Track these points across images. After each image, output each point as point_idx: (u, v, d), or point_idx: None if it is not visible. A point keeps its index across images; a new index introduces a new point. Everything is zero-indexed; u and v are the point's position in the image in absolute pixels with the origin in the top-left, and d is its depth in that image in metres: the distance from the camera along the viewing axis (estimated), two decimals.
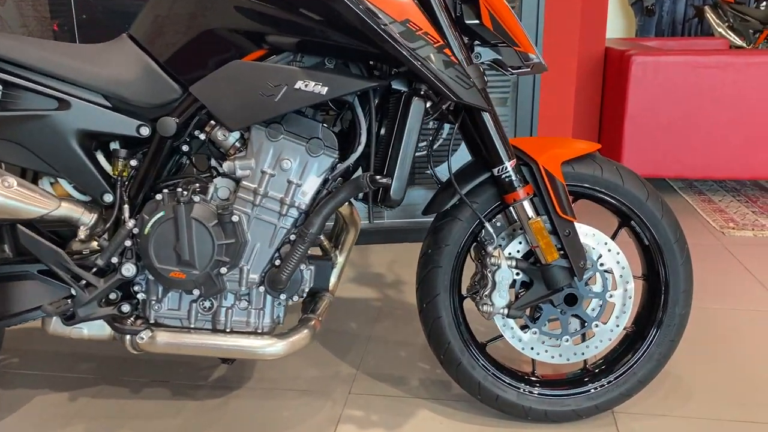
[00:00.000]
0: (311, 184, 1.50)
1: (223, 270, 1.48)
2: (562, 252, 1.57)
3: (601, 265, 1.62)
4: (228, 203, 1.48)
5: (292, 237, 1.51)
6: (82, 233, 1.51)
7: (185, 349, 1.51)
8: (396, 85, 1.50)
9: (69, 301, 1.46)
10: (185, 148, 1.56)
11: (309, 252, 1.65)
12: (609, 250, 1.62)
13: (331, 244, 1.71)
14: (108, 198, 1.50)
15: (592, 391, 1.67)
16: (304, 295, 1.56)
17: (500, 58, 1.56)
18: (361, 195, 1.51)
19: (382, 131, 1.54)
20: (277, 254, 1.52)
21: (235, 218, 1.46)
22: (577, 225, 1.59)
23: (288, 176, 1.49)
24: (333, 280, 1.70)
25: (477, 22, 1.50)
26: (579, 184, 1.62)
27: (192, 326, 1.53)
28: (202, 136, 1.53)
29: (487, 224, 1.59)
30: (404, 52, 1.35)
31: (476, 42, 1.55)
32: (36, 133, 1.45)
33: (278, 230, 1.50)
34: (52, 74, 1.44)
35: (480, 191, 1.62)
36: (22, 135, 1.45)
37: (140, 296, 1.53)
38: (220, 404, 1.83)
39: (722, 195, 3.94)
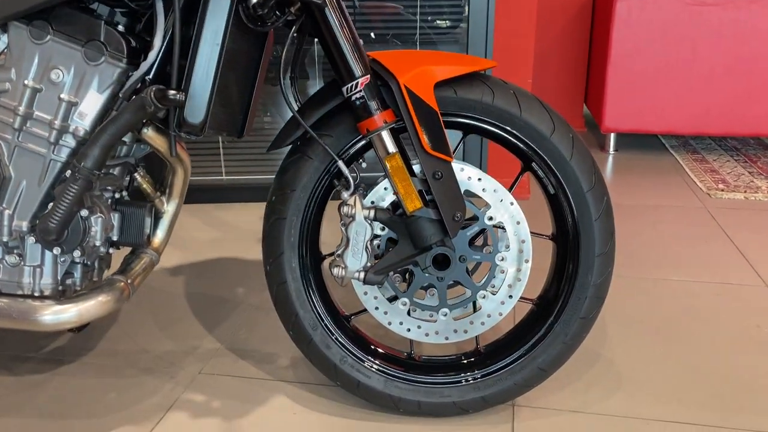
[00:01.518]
0: (91, 103, 1.13)
1: None
2: (431, 201, 1.19)
3: (490, 218, 1.25)
4: None
5: (68, 173, 1.15)
6: None
7: None
8: None
9: None
10: None
11: (125, 197, 1.30)
12: (500, 200, 1.24)
13: (156, 190, 1.35)
14: None
15: (480, 378, 1.31)
16: (100, 248, 1.21)
17: None
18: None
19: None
20: (50, 195, 1.16)
21: None
22: (457, 165, 1.21)
23: (59, 91, 1.12)
24: (159, 234, 1.35)
25: None
26: (463, 114, 1.23)
27: None
28: None
29: (341, 163, 1.22)
30: None
31: None
32: None
33: (50, 163, 1.15)
34: None
35: (335, 121, 1.25)
36: None
37: None
38: (40, 381, 1.50)
39: (719, 154, 3.49)
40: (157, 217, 1.34)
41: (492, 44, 2.60)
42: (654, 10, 3.21)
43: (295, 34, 1.20)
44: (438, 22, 2.64)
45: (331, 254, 1.34)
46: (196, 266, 2.12)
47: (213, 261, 2.16)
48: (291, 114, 1.23)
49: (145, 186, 1.32)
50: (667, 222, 2.49)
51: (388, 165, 1.17)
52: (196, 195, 2.62)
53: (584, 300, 1.27)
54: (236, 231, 2.42)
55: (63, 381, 1.50)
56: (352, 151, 1.26)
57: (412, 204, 1.17)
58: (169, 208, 1.36)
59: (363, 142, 1.26)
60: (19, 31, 1.11)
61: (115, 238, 1.25)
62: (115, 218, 1.25)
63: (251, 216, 2.56)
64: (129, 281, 1.26)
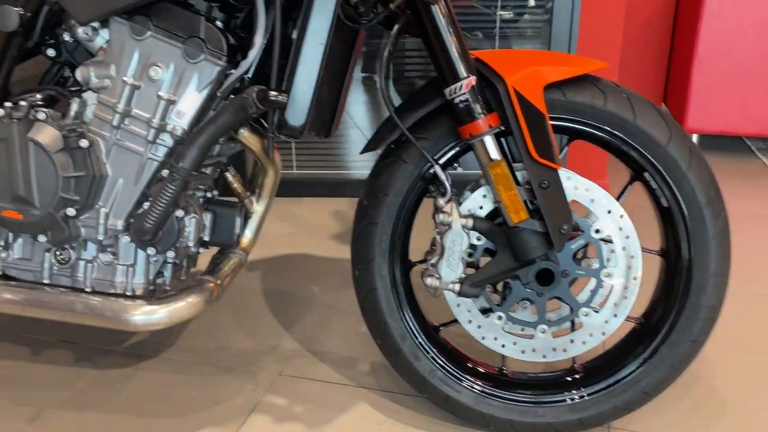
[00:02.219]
0: (190, 101, 1.10)
1: (71, 211, 1.12)
2: (536, 211, 1.12)
3: (597, 231, 1.17)
4: (77, 123, 1.11)
5: (165, 172, 1.13)
6: None
7: (31, 310, 1.17)
8: None
9: None
10: (51, 52, 1.20)
11: (216, 196, 1.28)
12: (609, 212, 1.16)
13: (246, 190, 1.32)
14: None
15: (577, 399, 1.24)
16: (192, 248, 1.19)
17: None
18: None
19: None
20: (146, 194, 1.15)
21: (84, 143, 1.09)
22: (563, 174, 1.13)
23: (158, 89, 1.10)
24: (248, 234, 1.32)
25: None
26: (571, 118, 1.16)
27: (46, 282, 1.19)
28: (68, 36, 1.17)
29: (437, 167, 1.16)
30: None
31: None
32: None
33: (146, 162, 1.13)
34: None
35: (434, 123, 1.19)
36: None
37: None
38: (123, 376, 1.51)
39: None
40: (246, 217, 1.32)
41: (576, 39, 2.49)
42: (746, 5, 3.02)
43: (396, 32, 1.14)
44: (508, 14, 2.54)
45: (421, 261, 1.29)
46: (270, 261, 2.10)
47: (286, 256, 2.14)
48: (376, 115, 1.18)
49: (236, 185, 1.30)
50: (755, 234, 2.34)
51: (491, 173, 1.11)
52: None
53: (695, 322, 1.18)
54: (308, 226, 2.40)
55: (145, 377, 1.50)
56: (449, 155, 1.21)
57: (517, 215, 1.11)
58: (258, 208, 1.34)
59: (460, 147, 1.20)
60: (120, 27, 1.09)
61: (206, 239, 1.23)
62: (207, 218, 1.23)
63: (322, 211, 2.53)
64: (218, 282, 1.24)
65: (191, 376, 1.50)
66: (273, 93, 1.03)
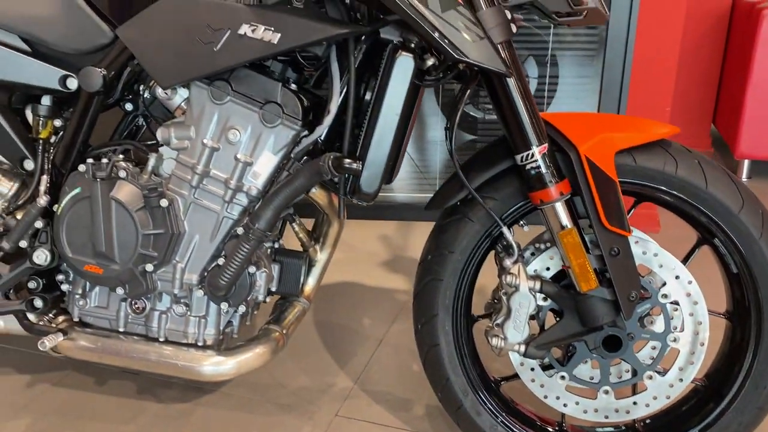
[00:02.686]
0: (265, 163, 1.13)
1: (150, 267, 1.16)
2: (606, 275, 1.12)
3: (665, 296, 1.17)
4: (158, 182, 1.15)
5: (241, 231, 1.16)
6: None
7: (108, 358, 1.22)
8: (386, 33, 1.10)
9: None
10: (129, 106, 1.24)
11: (282, 246, 1.31)
12: (677, 277, 1.16)
13: (311, 239, 1.35)
14: (29, 165, 1.22)
15: None
16: (261, 300, 1.22)
17: (540, 0, 1.11)
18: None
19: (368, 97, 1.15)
20: (221, 250, 1.18)
21: (164, 202, 1.13)
22: (633, 240, 1.13)
23: (236, 151, 1.13)
24: (311, 282, 1.35)
25: None
26: (641, 182, 1.16)
27: (121, 330, 1.24)
28: (147, 95, 1.21)
29: (505, 229, 1.17)
30: None
31: None
32: None
33: (222, 220, 1.16)
34: None
35: (501, 183, 1.20)
36: None
37: (65, 287, 1.25)
38: (184, 411, 1.55)
39: None
40: (310, 265, 1.35)
41: (630, 69, 2.47)
42: None
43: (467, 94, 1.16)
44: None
45: (484, 316, 1.30)
46: (321, 289, 2.13)
47: (336, 285, 2.17)
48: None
49: (301, 235, 1.33)
50: None
51: (562, 240, 1.11)
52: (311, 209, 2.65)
53: (763, 389, 1.17)
54: (354, 251, 2.42)
55: (205, 413, 1.54)
56: (516, 215, 1.21)
57: (587, 284, 1.11)
58: (322, 257, 1.36)
59: (527, 206, 1.21)
60: (201, 91, 1.12)
61: (273, 289, 1.26)
62: (275, 269, 1.25)
63: (367, 235, 2.56)
64: (284, 332, 1.27)
65: (250, 414, 1.54)
66: (347, 161, 1.05)
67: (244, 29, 1.03)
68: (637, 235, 1.16)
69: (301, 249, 1.36)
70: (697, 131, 3.80)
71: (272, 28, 1.03)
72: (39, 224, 1.18)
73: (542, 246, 1.23)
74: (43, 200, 1.17)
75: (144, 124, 1.31)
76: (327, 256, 1.37)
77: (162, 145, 1.21)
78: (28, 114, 1.25)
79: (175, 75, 1.10)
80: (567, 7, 1.10)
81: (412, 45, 1.06)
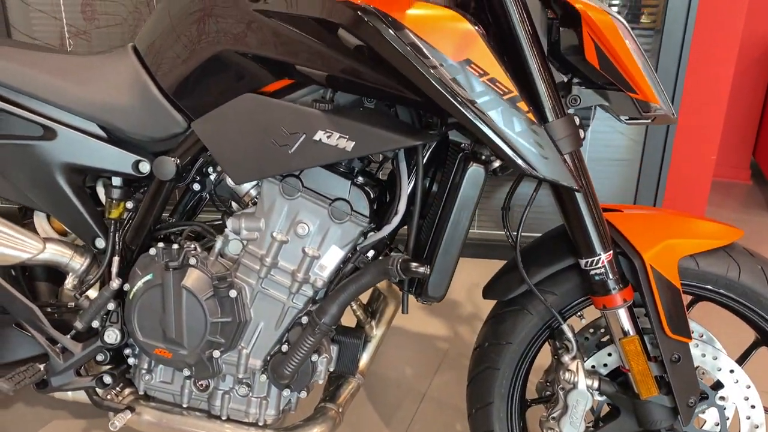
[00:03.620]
0: (332, 257, 1.16)
1: (217, 353, 1.20)
2: (665, 378, 1.14)
3: (721, 399, 1.17)
4: (228, 272, 1.18)
5: (304, 319, 1.19)
6: (70, 281, 1.29)
7: None
8: (454, 136, 1.11)
9: (41, 367, 1.25)
10: (196, 186, 1.27)
11: (340, 324, 1.34)
12: (736, 381, 1.17)
13: (367, 315, 1.38)
14: (100, 243, 1.26)
15: None
16: (321, 383, 1.26)
17: (608, 105, 1.12)
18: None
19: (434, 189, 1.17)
20: (285, 337, 1.21)
21: (233, 293, 1.16)
22: (693, 344, 1.14)
23: (304, 244, 1.16)
24: (365, 358, 1.38)
25: (578, 55, 1.07)
26: (702, 286, 1.16)
27: (185, 405, 1.28)
28: (213, 177, 1.24)
29: (565, 327, 1.18)
30: (458, 105, 0.96)
31: (577, 79, 1.12)
32: (17, 164, 1.22)
33: (287, 310, 1.19)
34: (38, 97, 1.19)
35: (561, 278, 1.21)
36: (2, 164, 1.22)
37: (131, 361, 1.29)
38: None
39: None
40: (365, 342, 1.37)
41: (679, 108, 2.45)
42: None
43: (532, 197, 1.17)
44: None
45: (538, 401, 1.32)
46: None
47: None
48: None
49: (359, 312, 1.35)
50: None
51: (624, 347, 1.12)
52: None
53: None
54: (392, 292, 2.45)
55: None
56: (575, 309, 1.23)
57: (648, 391, 1.12)
58: (377, 333, 1.39)
59: (586, 302, 1.22)
60: (272, 186, 1.15)
61: (331, 369, 1.29)
62: (333, 350, 1.28)
63: None
64: (339, 410, 1.30)
65: None
66: (416, 265, 1.07)
67: (320, 135, 1.06)
68: (696, 339, 1.16)
69: (356, 325, 1.39)
70: (737, 162, 3.76)
71: (347, 136, 1.05)
72: (111, 305, 1.22)
73: (599, 332, 1.25)
74: (115, 284, 1.21)
75: (204, 196, 1.34)
76: (382, 333, 1.39)
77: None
78: (99, 190, 1.29)
79: (248, 173, 1.12)
80: (637, 113, 1.11)
81: (483, 156, 1.07)
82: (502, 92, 0.97)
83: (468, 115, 0.96)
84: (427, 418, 1.77)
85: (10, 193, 1.25)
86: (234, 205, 1.28)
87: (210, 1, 1.12)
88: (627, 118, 1.13)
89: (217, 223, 1.29)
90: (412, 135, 1.05)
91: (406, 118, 1.13)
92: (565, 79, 1.12)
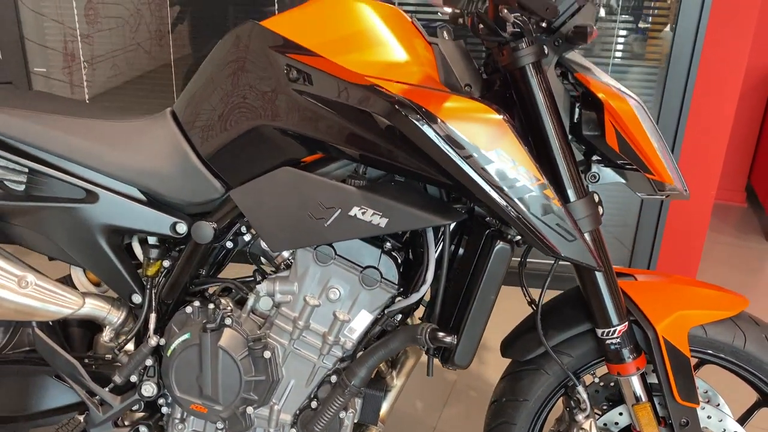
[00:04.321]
0: (361, 321, 1.22)
1: (250, 409, 1.26)
2: None
3: None
4: (262, 334, 1.25)
5: (333, 378, 1.26)
6: (107, 334, 1.34)
7: None
8: (480, 212, 1.18)
9: (81, 419, 1.30)
10: (229, 244, 1.33)
11: None
12: None
13: (389, 366, 1.44)
14: (136, 299, 1.32)
15: None
16: None
17: (625, 183, 1.19)
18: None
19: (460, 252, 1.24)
20: (314, 393, 1.28)
21: (267, 354, 1.23)
22: (700, 409, 1.22)
23: (335, 308, 1.22)
24: (385, 407, 1.44)
25: (597, 134, 1.14)
26: (709, 352, 1.24)
27: None
28: (247, 237, 1.30)
29: (580, 388, 1.25)
30: (490, 193, 1.02)
31: (595, 157, 1.19)
32: (59, 224, 1.27)
33: (317, 369, 1.26)
34: (81, 163, 1.25)
35: (577, 341, 1.28)
36: (45, 225, 1.28)
37: (164, 410, 1.35)
38: None
39: None
40: (386, 392, 1.43)
41: (683, 136, 2.51)
42: None
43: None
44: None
45: None
46: None
47: None
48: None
49: (381, 365, 1.42)
50: None
51: (636, 412, 1.20)
52: None
53: None
54: None
55: None
56: (589, 369, 1.30)
57: None
58: (397, 383, 1.45)
59: (600, 363, 1.29)
60: (306, 254, 1.21)
61: (355, 421, 1.35)
62: (357, 402, 1.34)
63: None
64: None
65: None
66: (443, 335, 1.14)
67: (355, 211, 1.12)
68: (702, 399, 1.24)
69: (377, 375, 1.45)
70: (733, 185, 3.85)
71: (380, 213, 1.11)
72: (149, 361, 1.28)
73: (609, 385, 1.32)
74: (153, 341, 1.26)
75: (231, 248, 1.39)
76: (402, 383, 1.45)
77: (260, 282, 1.30)
78: (135, 246, 1.35)
79: (285, 242, 1.18)
80: (652, 191, 1.17)
81: (509, 236, 1.14)
82: (530, 180, 1.03)
83: (498, 201, 1.03)
84: None
85: (52, 250, 1.30)
86: (263, 259, 1.33)
87: (248, 75, 1.18)
88: (641, 194, 1.20)
89: (248, 279, 1.35)
90: (443, 214, 1.11)
91: (435, 193, 1.20)
92: (581, 155, 1.19)
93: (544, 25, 1.09)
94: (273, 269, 1.31)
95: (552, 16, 0.98)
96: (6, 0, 2.78)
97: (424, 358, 1.30)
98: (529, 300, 1.32)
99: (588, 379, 1.33)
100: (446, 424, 1.97)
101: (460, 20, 1.26)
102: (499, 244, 1.13)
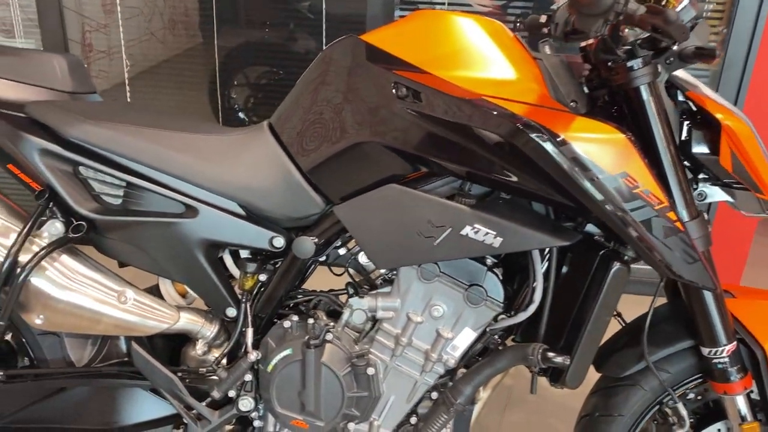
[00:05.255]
0: (464, 339, 1.22)
1: (351, 426, 1.26)
2: None
3: None
4: (366, 350, 1.24)
5: (434, 395, 1.26)
6: (199, 347, 1.34)
7: None
8: (591, 228, 1.17)
9: None
10: (322, 258, 1.32)
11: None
12: None
13: None
14: (231, 313, 1.31)
15: None
16: None
17: (733, 201, 1.18)
18: None
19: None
20: (413, 410, 1.28)
21: (371, 371, 1.22)
22: None
23: (438, 325, 1.22)
24: (472, 420, 1.44)
25: (708, 153, 1.13)
26: None
27: None
28: (342, 251, 1.29)
29: (680, 405, 1.25)
30: (613, 215, 1.02)
31: (702, 175, 1.18)
32: (157, 239, 1.26)
33: (418, 386, 1.25)
34: (180, 177, 1.24)
35: (677, 357, 1.28)
36: (143, 240, 1.27)
37: (257, 423, 1.35)
38: None
39: None
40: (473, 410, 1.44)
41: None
42: None
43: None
44: None
45: None
46: None
47: None
48: None
49: None
50: None
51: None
52: None
53: None
54: None
55: None
56: (686, 386, 1.30)
57: None
58: (483, 396, 1.45)
59: (699, 380, 1.28)
60: (410, 271, 1.20)
61: None
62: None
63: None
64: None
65: None
66: (554, 355, 1.13)
67: (467, 230, 1.11)
68: None
69: None
70: None
71: (494, 233, 1.10)
72: (247, 376, 1.28)
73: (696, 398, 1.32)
74: (253, 356, 1.26)
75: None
76: (488, 396, 1.45)
77: (352, 296, 1.30)
78: (226, 259, 1.34)
79: (391, 260, 1.18)
80: (759, 210, 1.17)
81: (626, 258, 1.13)
82: (654, 203, 1.02)
83: (620, 223, 1.02)
84: None
85: (148, 264, 1.29)
86: (354, 272, 1.33)
87: (352, 91, 1.16)
88: (749, 213, 1.19)
89: (341, 293, 1.35)
90: (559, 235, 1.11)
91: (541, 210, 1.19)
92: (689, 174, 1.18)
93: (663, 45, 1.08)
94: (366, 285, 1.31)
95: (685, 38, 0.97)
96: None
97: (513, 371, 1.30)
98: (615, 313, 1.32)
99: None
100: (508, 428, 1.97)
101: (545, 29, 1.25)
102: (616, 266, 1.12)
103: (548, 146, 1.00)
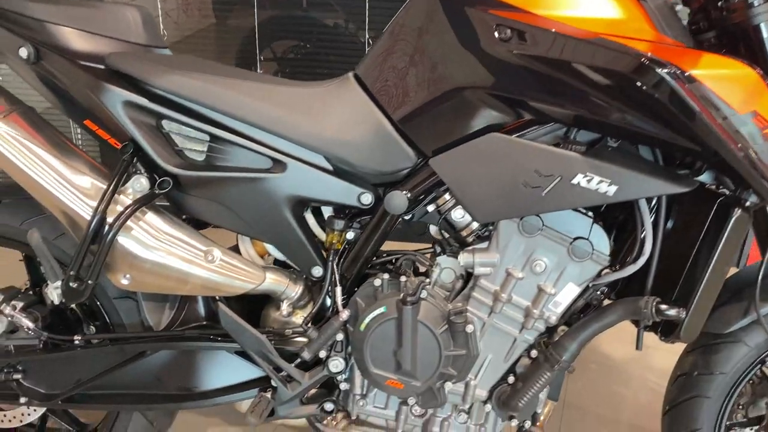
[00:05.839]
0: (567, 294, 1.17)
1: (448, 385, 1.22)
2: None
3: None
4: (464, 307, 1.20)
5: (533, 353, 1.21)
6: (284, 308, 1.30)
7: None
8: (705, 178, 1.11)
9: (270, 396, 1.27)
10: (407, 216, 1.27)
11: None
12: None
13: None
14: (317, 272, 1.27)
15: None
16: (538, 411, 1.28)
17: None
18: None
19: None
20: (511, 370, 1.23)
21: (470, 328, 1.18)
22: None
23: (539, 281, 1.17)
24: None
25: None
26: None
27: (399, 431, 1.30)
28: (431, 208, 1.24)
29: None
30: (742, 160, 0.96)
31: None
32: (243, 196, 1.22)
33: (517, 344, 1.21)
34: (268, 130, 1.19)
35: None
36: (228, 197, 1.23)
37: (343, 386, 1.31)
38: None
39: None
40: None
41: None
42: None
43: None
44: None
45: (740, 424, 1.35)
46: None
47: None
48: None
49: None
50: None
51: None
52: None
53: None
54: None
55: None
56: None
57: None
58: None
59: None
60: (510, 224, 1.15)
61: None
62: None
63: None
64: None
65: None
66: (668, 307, 1.08)
67: (578, 179, 1.05)
68: None
69: None
70: None
71: (608, 181, 1.05)
72: (339, 336, 1.24)
73: None
74: (345, 315, 1.22)
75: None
76: None
77: (440, 254, 1.26)
78: (308, 217, 1.29)
79: (494, 213, 1.13)
80: None
81: (748, 204, 1.07)
82: None
83: (748, 166, 0.97)
84: (574, 426, 1.81)
85: (232, 223, 1.25)
86: (437, 232, 1.27)
87: (450, 36, 1.11)
88: None
89: (426, 252, 1.30)
90: (676, 181, 1.05)
91: (648, 156, 1.13)
92: None
93: None
94: (455, 243, 1.26)
95: None
96: None
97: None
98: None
99: None
100: (574, 397, 1.93)
101: None
102: (738, 212, 1.06)
103: (676, 84, 0.94)
